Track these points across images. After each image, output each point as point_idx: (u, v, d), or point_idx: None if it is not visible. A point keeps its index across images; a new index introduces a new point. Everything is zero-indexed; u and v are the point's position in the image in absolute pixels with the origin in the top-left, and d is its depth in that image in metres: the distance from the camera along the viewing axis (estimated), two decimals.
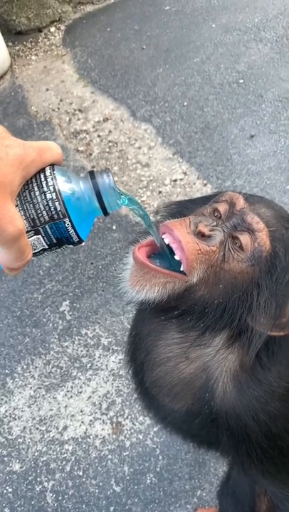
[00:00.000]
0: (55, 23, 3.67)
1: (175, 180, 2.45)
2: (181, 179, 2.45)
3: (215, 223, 0.72)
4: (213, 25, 3.31)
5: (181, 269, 0.67)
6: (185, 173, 2.47)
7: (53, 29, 3.65)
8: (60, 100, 3.03)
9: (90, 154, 2.66)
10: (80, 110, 2.94)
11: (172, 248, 0.69)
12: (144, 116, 2.82)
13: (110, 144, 2.69)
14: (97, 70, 3.20)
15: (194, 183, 2.42)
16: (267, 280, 0.67)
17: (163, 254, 0.71)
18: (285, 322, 0.69)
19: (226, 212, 0.74)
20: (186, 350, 0.73)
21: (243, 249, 0.68)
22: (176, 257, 0.68)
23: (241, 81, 2.88)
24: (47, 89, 3.13)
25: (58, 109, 2.98)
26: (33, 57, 3.44)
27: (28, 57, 3.44)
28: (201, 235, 0.68)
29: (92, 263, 2.20)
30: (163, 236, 0.69)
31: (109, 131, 2.77)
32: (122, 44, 3.36)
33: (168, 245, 0.69)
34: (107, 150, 2.67)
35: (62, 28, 3.66)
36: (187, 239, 0.66)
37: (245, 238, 0.68)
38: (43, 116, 2.95)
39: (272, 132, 2.56)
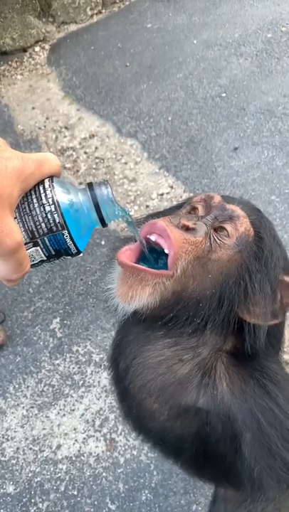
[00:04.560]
0: (40, 43, 3.73)
1: (162, 194, 2.48)
2: (167, 193, 2.48)
3: (196, 218, 0.73)
4: (195, 42, 3.39)
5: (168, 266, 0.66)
6: (171, 187, 2.51)
7: (37, 49, 3.70)
8: (46, 118, 3.07)
9: (77, 171, 2.69)
10: (66, 127, 2.97)
11: (156, 252, 0.69)
12: (129, 132, 2.86)
13: (97, 161, 2.72)
14: (82, 87, 3.25)
15: (181, 197, 2.45)
16: (256, 264, 0.68)
17: (145, 259, 0.71)
18: (278, 309, 0.70)
19: (203, 209, 0.76)
20: (180, 353, 0.71)
21: (228, 236, 0.69)
22: (161, 258, 0.69)
23: (224, 95, 2.94)
24: (33, 108, 3.17)
25: (45, 127, 3.01)
26: (19, 77, 3.48)
27: (13, 77, 3.49)
28: (186, 229, 0.68)
29: (81, 279, 2.20)
30: (149, 237, 0.69)
31: (96, 148, 2.80)
32: (105, 62, 3.42)
33: (152, 248, 0.69)
34: (94, 166, 2.70)
35: (47, 47, 3.72)
36: (172, 229, 0.66)
37: (229, 226, 0.70)
38: (29, 135, 2.98)
39: (255, 144, 2.61)
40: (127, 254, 0.69)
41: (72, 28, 3.85)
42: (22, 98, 3.28)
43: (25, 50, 3.68)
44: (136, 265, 0.66)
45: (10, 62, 3.61)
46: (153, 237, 0.68)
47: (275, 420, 0.66)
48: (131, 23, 3.74)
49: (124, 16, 3.84)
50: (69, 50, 3.62)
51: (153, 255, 0.71)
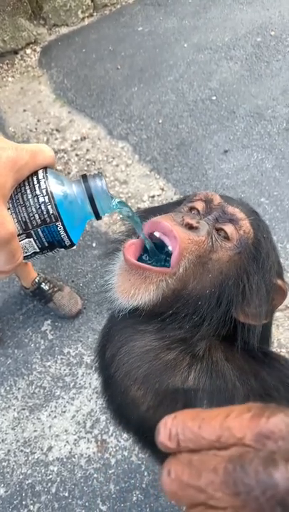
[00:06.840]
0: (31, 45, 3.73)
1: (153, 197, 2.50)
2: (158, 195, 2.50)
3: (198, 217, 0.74)
4: (185, 45, 3.42)
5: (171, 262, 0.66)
6: (162, 189, 2.52)
7: (28, 51, 3.70)
8: (38, 120, 3.07)
9: (69, 173, 2.70)
10: (57, 130, 2.98)
11: (158, 246, 0.69)
12: (120, 134, 2.87)
13: (88, 163, 2.73)
14: (74, 90, 3.26)
15: (172, 199, 2.47)
16: (254, 266, 0.69)
17: (146, 252, 0.71)
18: (268, 309, 0.71)
19: (203, 209, 0.76)
20: (168, 343, 0.71)
21: (228, 238, 0.70)
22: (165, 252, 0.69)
23: (214, 98, 2.97)
24: (24, 110, 3.17)
25: (36, 129, 3.02)
26: (10, 79, 3.48)
27: (4, 79, 3.48)
28: (189, 227, 0.69)
29: (72, 281, 2.21)
30: (153, 233, 0.69)
31: (87, 150, 2.81)
32: (97, 64, 3.43)
33: (155, 243, 0.70)
34: (86, 168, 2.71)
35: (38, 49, 3.72)
36: (177, 228, 0.67)
37: (230, 228, 0.71)
38: (20, 137, 2.98)
39: (245, 147, 2.64)
40: (132, 249, 0.69)
41: (64, 30, 3.86)
42: (13, 100, 3.28)
43: (16, 53, 3.68)
44: (142, 264, 0.65)
45: (1, 65, 3.60)
46: (157, 234, 0.68)
47: (274, 371, 0.68)
48: (122, 26, 3.76)
49: (116, 19, 3.86)
50: (60, 53, 3.63)
51: (153, 248, 0.71)
